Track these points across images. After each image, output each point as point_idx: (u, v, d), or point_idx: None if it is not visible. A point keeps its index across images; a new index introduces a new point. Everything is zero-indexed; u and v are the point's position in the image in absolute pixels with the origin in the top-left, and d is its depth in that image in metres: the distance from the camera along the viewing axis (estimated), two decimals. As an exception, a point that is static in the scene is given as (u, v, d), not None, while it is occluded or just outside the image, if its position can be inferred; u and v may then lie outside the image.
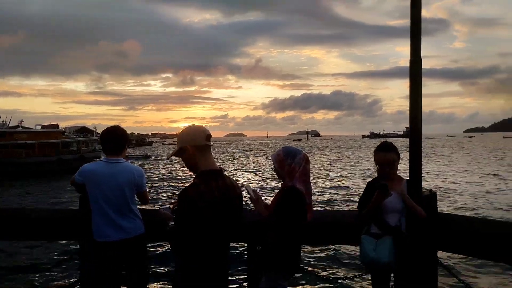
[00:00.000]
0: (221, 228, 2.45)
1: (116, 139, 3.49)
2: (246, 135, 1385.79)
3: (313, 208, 3.09)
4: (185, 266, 2.45)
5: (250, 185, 2.75)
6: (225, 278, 2.61)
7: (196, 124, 2.64)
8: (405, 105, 3.53)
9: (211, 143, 2.56)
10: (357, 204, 3.51)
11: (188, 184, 2.44)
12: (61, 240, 9.14)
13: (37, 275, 9.18)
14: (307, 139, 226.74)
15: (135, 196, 3.55)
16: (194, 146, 2.49)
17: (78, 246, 3.95)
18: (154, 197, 21.41)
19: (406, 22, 3.52)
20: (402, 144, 16.80)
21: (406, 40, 3.50)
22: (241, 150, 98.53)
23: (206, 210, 2.33)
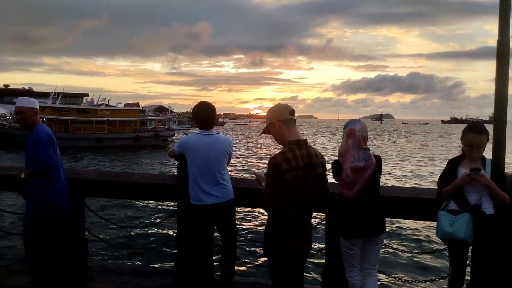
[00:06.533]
0: (305, 191, 2.71)
1: (209, 114, 3.87)
2: (316, 117, 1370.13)
3: (394, 185, 3.20)
4: (275, 225, 2.76)
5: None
6: (309, 237, 2.88)
7: (281, 103, 2.92)
8: (492, 88, 3.39)
9: (295, 117, 2.83)
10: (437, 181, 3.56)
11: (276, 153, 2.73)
12: (161, 201, 9.95)
13: (140, 231, 10.12)
14: (381, 123, 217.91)
15: (227, 163, 3.92)
16: (280, 120, 2.78)
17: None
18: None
19: (496, -3, 3.51)
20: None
21: (495, 17, 3.38)
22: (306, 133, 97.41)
23: (290, 173, 2.60)
